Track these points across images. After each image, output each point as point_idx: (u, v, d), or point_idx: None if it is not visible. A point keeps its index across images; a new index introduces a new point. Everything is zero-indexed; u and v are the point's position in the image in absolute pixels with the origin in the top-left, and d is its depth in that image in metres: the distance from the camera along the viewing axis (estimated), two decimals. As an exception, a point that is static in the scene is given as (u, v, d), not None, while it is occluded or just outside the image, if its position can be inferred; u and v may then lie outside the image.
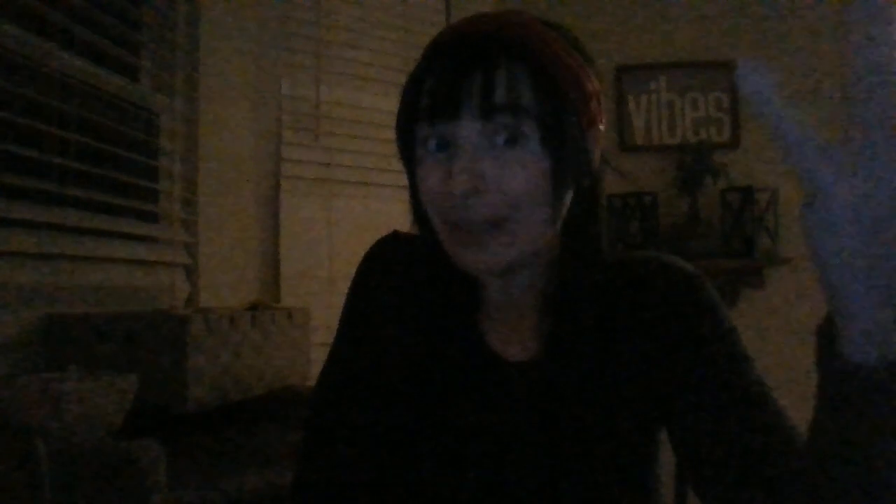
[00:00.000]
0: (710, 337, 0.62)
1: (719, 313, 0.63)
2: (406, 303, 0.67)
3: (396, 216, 2.15)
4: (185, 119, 1.71)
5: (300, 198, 2.07)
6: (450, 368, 0.64)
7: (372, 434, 0.64)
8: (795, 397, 0.68)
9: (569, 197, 0.61)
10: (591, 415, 0.61)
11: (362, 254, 0.72)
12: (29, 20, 1.22)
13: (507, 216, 0.57)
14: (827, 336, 0.44)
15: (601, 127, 0.63)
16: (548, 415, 0.62)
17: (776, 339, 2.38)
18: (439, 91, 0.56)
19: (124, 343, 1.12)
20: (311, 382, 1.55)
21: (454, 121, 0.56)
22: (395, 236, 0.72)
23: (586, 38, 0.64)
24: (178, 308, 1.55)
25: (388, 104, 2.20)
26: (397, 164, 0.64)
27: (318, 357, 1.62)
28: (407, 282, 0.68)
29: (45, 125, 1.21)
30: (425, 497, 0.62)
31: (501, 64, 0.56)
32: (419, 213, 0.63)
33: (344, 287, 0.72)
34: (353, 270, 0.72)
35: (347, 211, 2.15)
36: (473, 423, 0.62)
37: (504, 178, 0.56)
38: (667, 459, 0.66)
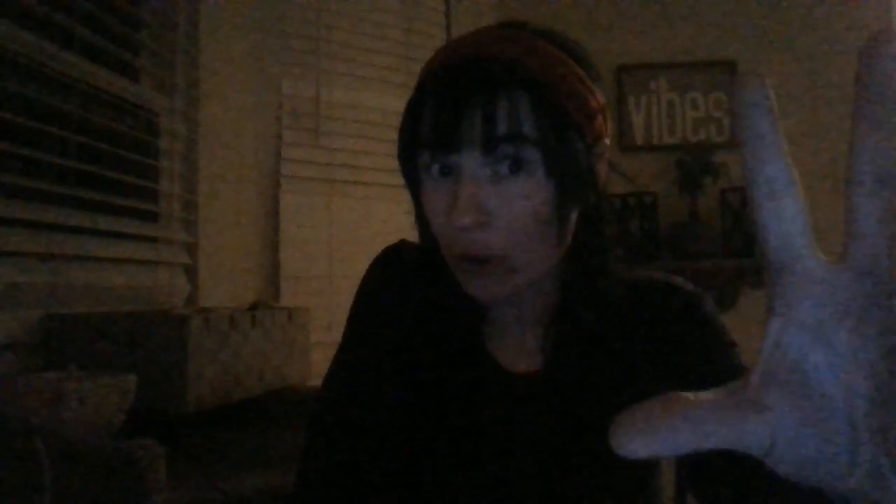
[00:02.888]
0: (712, 351, 0.62)
1: (721, 329, 0.64)
2: (411, 312, 0.67)
3: (396, 216, 2.15)
4: (185, 119, 1.71)
5: (300, 198, 2.07)
6: (454, 378, 0.64)
7: (375, 441, 0.64)
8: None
9: (574, 217, 0.60)
10: (594, 427, 0.61)
11: (362, 254, 0.73)
12: (29, 20, 1.22)
13: (513, 249, 0.56)
14: None
15: (606, 141, 0.62)
16: (551, 426, 0.62)
17: (776, 339, 2.38)
18: (439, 123, 0.55)
19: (124, 343, 1.12)
20: (311, 382, 1.56)
21: (456, 152, 0.55)
22: (401, 245, 0.72)
23: (586, 38, 0.63)
24: (178, 308, 1.55)
25: (388, 104, 2.20)
26: (397, 164, 0.64)
27: (318, 357, 1.63)
28: (412, 291, 0.68)
29: (45, 125, 1.21)
30: None
31: (501, 91, 0.53)
32: (425, 229, 0.63)
33: (344, 287, 0.72)
34: (353, 270, 0.72)
35: (347, 211, 2.15)
36: (477, 433, 0.62)
37: (509, 211, 0.55)
38: (667, 462, 0.66)
